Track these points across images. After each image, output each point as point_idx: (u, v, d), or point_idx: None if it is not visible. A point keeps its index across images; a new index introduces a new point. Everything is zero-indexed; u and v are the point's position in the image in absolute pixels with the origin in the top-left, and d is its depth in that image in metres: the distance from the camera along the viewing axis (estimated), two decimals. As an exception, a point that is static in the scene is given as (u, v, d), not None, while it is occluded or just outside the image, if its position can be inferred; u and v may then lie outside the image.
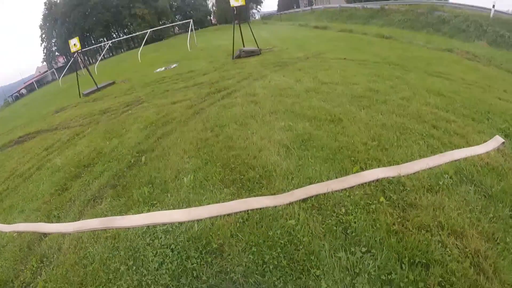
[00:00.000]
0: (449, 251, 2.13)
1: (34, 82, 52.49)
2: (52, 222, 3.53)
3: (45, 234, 3.32)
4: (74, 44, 12.39)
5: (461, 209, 2.49)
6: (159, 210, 3.12)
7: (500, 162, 3.10)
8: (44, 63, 65.96)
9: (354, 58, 8.92)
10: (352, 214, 2.57)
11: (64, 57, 62.06)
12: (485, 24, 15.14)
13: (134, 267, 2.50)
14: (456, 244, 2.19)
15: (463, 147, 3.45)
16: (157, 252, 2.58)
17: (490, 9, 15.82)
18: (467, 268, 2.00)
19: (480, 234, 2.25)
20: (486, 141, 3.54)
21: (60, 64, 61.15)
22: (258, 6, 72.84)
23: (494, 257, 2.06)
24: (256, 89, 6.67)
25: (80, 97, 12.58)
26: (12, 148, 7.96)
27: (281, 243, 2.40)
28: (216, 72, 9.73)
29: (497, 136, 3.58)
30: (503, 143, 3.45)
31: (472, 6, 18.59)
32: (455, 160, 3.17)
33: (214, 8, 73.14)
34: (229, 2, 11.20)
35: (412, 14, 20.90)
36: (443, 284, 1.94)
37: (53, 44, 63.42)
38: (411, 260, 2.09)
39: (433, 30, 17.82)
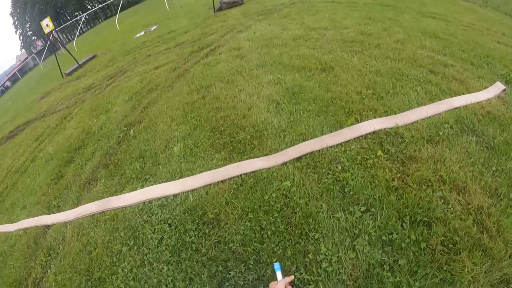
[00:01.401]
0: (452, 208, 2.03)
1: (16, 72, 51.22)
2: (52, 213, 3.54)
3: (48, 226, 3.34)
4: (47, 24, 11.88)
5: (463, 161, 2.35)
6: (152, 185, 3.05)
7: (502, 111, 2.89)
8: (23, 50, 64.24)
9: (343, 0, 8.34)
10: (349, 171, 2.45)
11: (41, 40, 60.18)
12: None
13: (135, 247, 2.49)
14: (459, 200, 2.07)
15: (463, 93, 3.22)
16: (155, 228, 2.55)
17: None
18: (470, 226, 1.90)
19: (483, 189, 2.12)
20: (487, 88, 3.30)
21: (39, 48, 59.41)
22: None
23: (498, 214, 1.95)
24: (241, 42, 6.30)
25: (62, 77, 12.31)
26: (5, 145, 7.92)
27: (277, 207, 2.33)
28: (197, 29, 9.28)
29: (497, 82, 3.32)
30: (504, 90, 3.20)
31: None
32: (455, 108, 2.97)
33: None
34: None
35: None
36: (445, 243, 1.85)
37: (27, 29, 61.34)
38: (413, 219, 2.00)
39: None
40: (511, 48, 4.65)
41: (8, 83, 51.40)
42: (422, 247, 1.85)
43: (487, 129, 2.65)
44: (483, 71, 3.73)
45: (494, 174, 2.23)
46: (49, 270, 2.75)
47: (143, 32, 13.28)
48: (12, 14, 61.27)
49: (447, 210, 2.02)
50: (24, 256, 3.12)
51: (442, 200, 2.09)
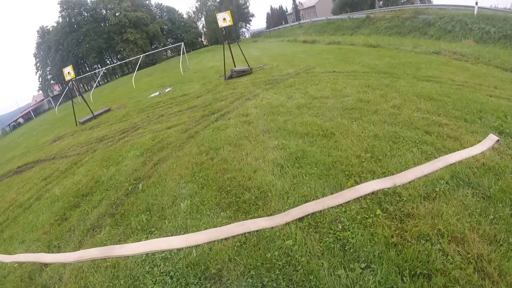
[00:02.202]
0: (451, 259, 2.12)
1: (31, 111, 52.61)
2: (52, 252, 3.55)
3: (45, 264, 3.34)
4: (68, 72, 12.46)
5: (460, 214, 2.50)
6: (157, 237, 3.15)
7: (496, 160, 3.13)
8: (40, 91, 66.45)
9: (344, 70, 9.05)
10: (349, 230, 2.59)
11: (59, 85, 62.66)
12: (470, 22, 15.47)
13: (134, 296, 2.51)
14: (458, 251, 2.18)
15: (458, 149, 3.46)
16: (156, 280, 2.60)
17: (474, 7, 16.10)
18: (471, 274, 1.99)
19: (481, 238, 2.24)
20: (480, 141, 3.56)
21: (56, 92, 61.53)
22: (247, 25, 74.41)
23: (498, 259, 2.05)
24: (249, 109, 6.77)
25: (76, 125, 12.65)
26: (11, 178, 8.01)
27: (279, 264, 2.42)
28: (209, 94, 9.86)
29: (490, 134, 3.59)
30: (498, 140, 3.45)
31: (456, 5, 19.03)
32: (450, 164, 3.18)
33: (204, 29, 74.62)
34: (218, 23, 11.41)
35: (398, 20, 21.40)
36: None
37: (48, 72, 64.07)
38: (412, 272, 2.09)
39: (419, 33, 18.23)
40: (503, 100, 4.99)
41: (21, 120, 52.45)
42: (423, 298, 1.91)
43: (483, 180, 2.83)
44: (476, 126, 4.02)
45: (492, 222, 2.36)
46: (40, 308, 2.73)
47: (157, 93, 13.89)
48: (35, 55, 63.89)
49: (447, 261, 2.11)
50: None
51: (441, 252, 2.18)
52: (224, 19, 11.20)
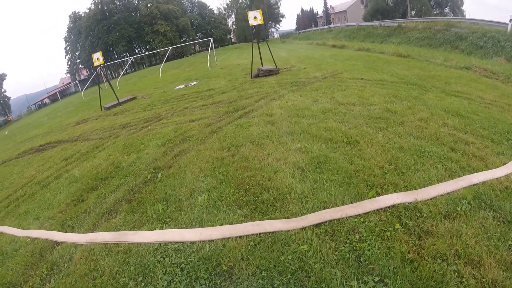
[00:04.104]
0: (465, 282, 2.05)
1: (57, 93, 54.37)
2: (65, 232, 3.62)
3: (57, 243, 3.41)
4: (97, 58, 12.65)
5: (478, 236, 2.41)
6: (171, 228, 3.15)
7: None
8: (68, 74, 68.60)
9: (372, 78, 8.87)
10: (366, 241, 2.51)
11: (87, 70, 64.59)
12: (502, 40, 14.90)
13: (143, 284, 2.52)
14: (473, 274, 2.10)
15: (482, 170, 3.34)
16: (166, 270, 2.59)
17: (507, 24, 15.50)
18: None
19: (498, 263, 2.16)
20: (506, 163, 3.43)
21: (83, 77, 63.36)
22: (277, 25, 74.38)
23: None
24: (273, 109, 6.71)
25: (101, 110, 12.93)
26: (32, 156, 8.28)
27: (292, 269, 2.37)
28: (234, 91, 9.86)
29: None
30: None
31: (489, 21, 18.33)
32: (474, 185, 3.07)
33: (234, 26, 75.17)
34: (248, 21, 11.40)
35: (429, 31, 20.82)
36: None
37: (77, 56, 66.12)
38: None
39: (450, 47, 17.66)
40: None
41: (47, 100, 54.24)
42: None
43: (504, 204, 2.72)
44: (503, 147, 3.88)
45: (510, 248, 2.27)
46: (47, 284, 2.78)
47: (183, 85, 13.99)
48: (66, 39, 65.83)
49: (461, 284, 2.04)
50: (25, 262, 3.17)
51: (456, 274, 2.12)
52: (255, 17, 11.15)
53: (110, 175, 4.99)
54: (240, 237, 2.81)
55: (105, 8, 62.39)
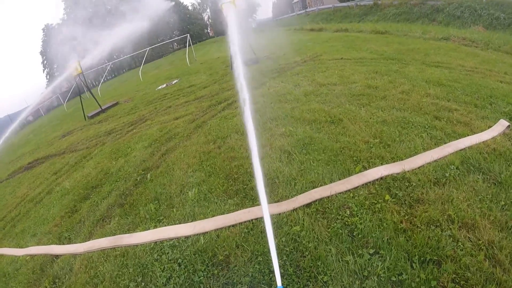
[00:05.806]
0: (461, 245, 2.09)
1: (39, 108, 53.17)
2: (63, 244, 3.61)
3: (56, 256, 3.40)
4: (76, 68, 12.42)
5: (470, 199, 2.46)
6: (165, 226, 3.16)
7: (507, 146, 3.08)
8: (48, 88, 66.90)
9: (351, 57, 8.92)
10: (357, 216, 2.56)
11: (67, 81, 63.05)
12: (479, 8, 15.15)
13: (143, 284, 2.55)
14: (468, 237, 2.14)
15: (468, 135, 3.41)
16: (164, 267, 2.62)
17: None
18: (481, 262, 1.95)
19: (492, 224, 2.20)
20: (491, 127, 3.50)
21: (64, 89, 62.03)
22: (254, 15, 73.55)
23: (510, 247, 2.01)
24: (256, 97, 6.69)
25: (85, 119, 12.75)
26: (22, 174, 8.13)
27: (287, 250, 2.41)
28: (216, 84, 9.82)
29: (501, 120, 3.54)
30: (509, 126, 3.40)
31: None
32: (460, 150, 3.14)
33: (210, 20, 74.12)
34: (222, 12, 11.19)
35: (406, 6, 21.00)
36: (457, 280, 1.90)
37: (55, 69, 64.50)
38: (422, 258, 2.06)
39: (428, 20, 17.88)
40: (514, 85, 4.83)
41: (30, 117, 53.07)
42: (432, 285, 1.89)
43: (493, 166, 2.79)
44: (486, 111, 3.96)
45: (503, 208, 2.32)
46: (51, 298, 2.77)
47: (164, 85, 13.86)
48: (41, 53, 64.63)
49: (457, 248, 2.08)
50: (28, 280, 3.17)
51: (451, 239, 2.15)
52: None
53: (100, 182, 4.96)
54: (233, 225, 2.84)
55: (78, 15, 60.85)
